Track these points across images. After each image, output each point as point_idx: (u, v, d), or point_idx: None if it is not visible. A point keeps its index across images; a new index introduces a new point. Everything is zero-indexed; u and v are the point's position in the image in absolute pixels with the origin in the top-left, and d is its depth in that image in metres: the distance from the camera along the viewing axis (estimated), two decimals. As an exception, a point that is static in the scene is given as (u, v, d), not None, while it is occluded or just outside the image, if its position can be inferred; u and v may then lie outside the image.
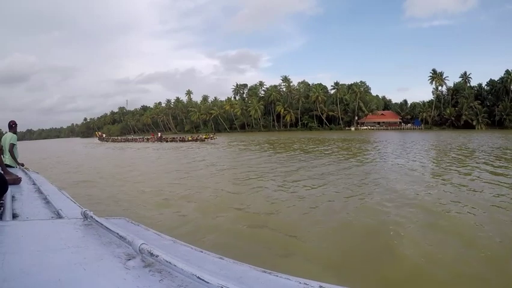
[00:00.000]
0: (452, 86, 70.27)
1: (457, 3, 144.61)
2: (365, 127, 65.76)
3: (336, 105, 67.52)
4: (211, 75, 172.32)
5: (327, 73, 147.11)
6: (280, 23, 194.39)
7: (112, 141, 55.12)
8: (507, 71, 66.97)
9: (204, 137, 39.74)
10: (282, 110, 69.79)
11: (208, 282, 0.66)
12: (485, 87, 70.34)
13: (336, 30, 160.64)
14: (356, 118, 66.77)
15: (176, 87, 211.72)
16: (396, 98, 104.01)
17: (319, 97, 66.17)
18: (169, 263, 0.77)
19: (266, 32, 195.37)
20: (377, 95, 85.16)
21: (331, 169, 11.59)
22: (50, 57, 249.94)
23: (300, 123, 70.99)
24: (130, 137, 56.70)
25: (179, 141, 41.71)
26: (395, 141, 30.12)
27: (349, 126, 67.16)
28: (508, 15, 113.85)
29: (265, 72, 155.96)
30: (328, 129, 67.10)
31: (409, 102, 70.65)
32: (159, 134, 52.19)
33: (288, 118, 70.02)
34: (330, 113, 67.96)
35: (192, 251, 1.02)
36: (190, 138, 40.74)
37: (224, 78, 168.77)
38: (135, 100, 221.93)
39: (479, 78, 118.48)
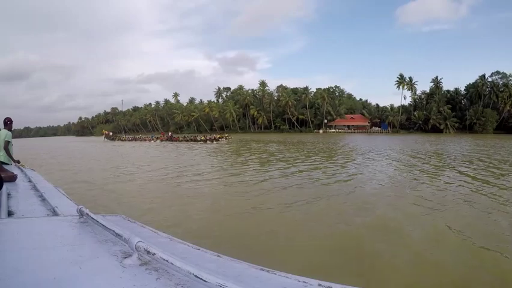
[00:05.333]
0: (428, 90, 71.44)
1: (449, 12, 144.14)
2: (333, 130, 67.91)
3: (306, 109, 69.92)
4: (211, 76, 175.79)
5: (324, 75, 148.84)
6: (279, 26, 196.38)
7: (119, 139, 53.55)
8: (481, 76, 67.47)
9: (218, 136, 39.47)
10: (255, 113, 72.86)
11: (206, 281, 0.64)
12: (464, 91, 71.05)
13: (334, 34, 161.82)
14: (326, 121, 68.98)
15: (175, 88, 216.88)
16: (388, 102, 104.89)
17: (289, 101, 68.75)
18: (166, 261, 0.74)
19: (266, 34, 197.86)
20: (360, 99, 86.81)
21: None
22: (51, 56, 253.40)
23: (273, 125, 73.89)
24: (138, 136, 54.57)
25: (191, 141, 40.47)
26: (339, 142, 33.49)
27: (319, 129, 69.44)
28: (498, 23, 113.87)
29: (264, 73, 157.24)
30: (298, 132, 69.71)
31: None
32: (169, 133, 50.84)
33: (260, 120, 73.05)
34: (301, 117, 70.46)
35: (189, 248, 1.02)
36: (202, 138, 39.69)
37: (223, 79, 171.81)
38: (134, 100, 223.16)
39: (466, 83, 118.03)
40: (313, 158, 17.72)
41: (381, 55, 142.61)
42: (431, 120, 64.29)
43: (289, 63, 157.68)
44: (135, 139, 50.46)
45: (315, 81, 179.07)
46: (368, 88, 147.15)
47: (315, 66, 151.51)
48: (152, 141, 45.20)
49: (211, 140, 37.80)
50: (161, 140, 44.25)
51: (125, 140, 52.08)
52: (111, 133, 63.61)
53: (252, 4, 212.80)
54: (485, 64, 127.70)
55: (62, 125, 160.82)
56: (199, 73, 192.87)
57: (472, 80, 67.18)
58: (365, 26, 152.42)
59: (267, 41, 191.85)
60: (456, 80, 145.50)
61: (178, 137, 44.59)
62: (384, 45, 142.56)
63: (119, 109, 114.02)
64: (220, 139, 38.24)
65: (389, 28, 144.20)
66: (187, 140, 41.20)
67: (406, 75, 66.84)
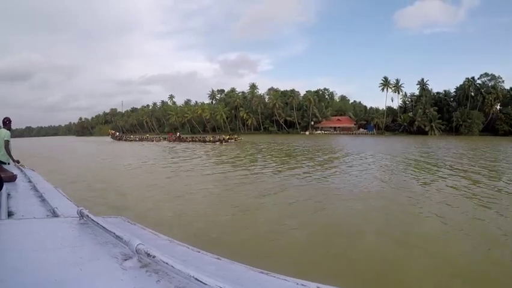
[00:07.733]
0: (417, 92, 72.03)
1: (447, 16, 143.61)
2: (319, 132, 69.45)
3: (294, 111, 71.68)
4: (212, 78, 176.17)
5: (325, 78, 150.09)
6: (281, 29, 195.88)
7: (125, 140, 52.96)
8: (467, 79, 67.66)
9: (227, 137, 39.25)
10: (245, 115, 74.99)
11: (205, 284, 0.64)
12: (454, 93, 71.35)
13: (335, 37, 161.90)
14: (312, 123, 70.56)
15: (177, 89, 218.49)
16: (384, 104, 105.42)
17: (276, 104, 70.61)
18: (166, 263, 0.75)
19: (267, 36, 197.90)
20: (354, 101, 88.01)
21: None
22: (52, 56, 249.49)
23: (262, 127, 75.94)
24: (145, 136, 54.12)
25: (200, 141, 40.33)
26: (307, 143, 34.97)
27: (305, 130, 71.08)
28: (496, 27, 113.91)
29: (265, 76, 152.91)
30: (286, 133, 71.48)
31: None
32: (178, 133, 50.86)
33: (250, 122, 75.15)
34: (288, 118, 72.27)
35: (189, 251, 1.02)
36: (211, 139, 39.28)
37: (225, 81, 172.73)
38: (136, 101, 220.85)
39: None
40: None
41: (380, 57, 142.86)
42: (416, 122, 64.97)
43: (291, 66, 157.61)
44: (142, 139, 50.11)
45: (317, 83, 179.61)
46: (367, 90, 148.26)
47: (316, 68, 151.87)
48: (161, 141, 45.31)
49: (220, 141, 37.31)
50: (170, 141, 44.15)
51: (132, 140, 51.70)
52: (117, 133, 62.74)
53: (254, 7, 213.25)
54: (481, 67, 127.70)
55: (63, 125, 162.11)
56: (201, 75, 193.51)
57: (462, 82, 67.35)
58: (365, 29, 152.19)
59: (269, 43, 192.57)
60: (454, 82, 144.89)
61: (187, 138, 44.57)
62: (384, 47, 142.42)
63: (119, 110, 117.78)
64: (229, 140, 38.05)
65: (388, 31, 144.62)
66: (195, 141, 41.09)
67: (403, 78, 68.29)
